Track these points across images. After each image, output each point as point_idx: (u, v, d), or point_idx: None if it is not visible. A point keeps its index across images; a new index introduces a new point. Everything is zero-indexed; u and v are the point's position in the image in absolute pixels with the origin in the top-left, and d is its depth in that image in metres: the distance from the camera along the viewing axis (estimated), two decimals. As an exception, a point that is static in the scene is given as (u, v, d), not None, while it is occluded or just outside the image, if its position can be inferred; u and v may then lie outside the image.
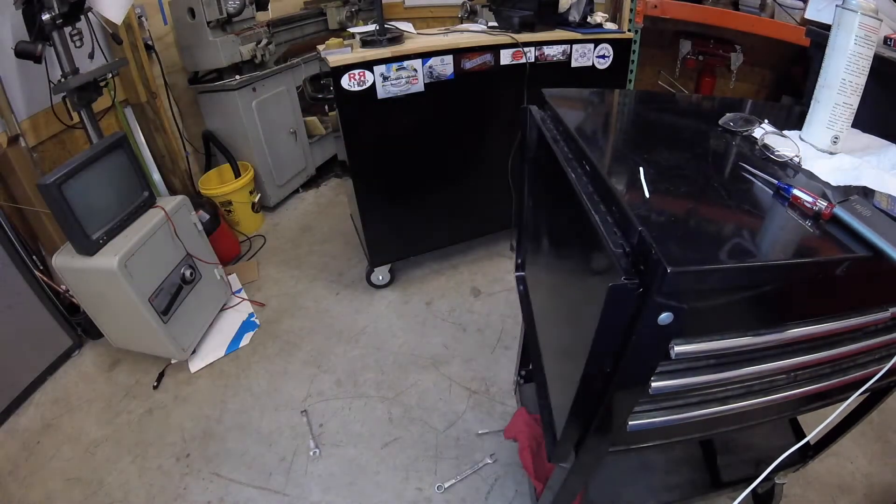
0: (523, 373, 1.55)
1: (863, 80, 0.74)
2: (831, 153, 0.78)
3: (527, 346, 1.37)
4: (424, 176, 2.08)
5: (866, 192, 0.69)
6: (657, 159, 0.75)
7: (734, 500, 0.66)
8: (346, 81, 1.72)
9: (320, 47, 1.82)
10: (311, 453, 1.60)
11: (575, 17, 2.03)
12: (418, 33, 1.98)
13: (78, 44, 1.96)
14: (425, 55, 1.79)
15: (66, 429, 1.74)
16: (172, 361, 1.96)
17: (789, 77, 2.90)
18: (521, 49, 1.90)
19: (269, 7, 2.77)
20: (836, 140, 0.77)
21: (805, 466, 1.29)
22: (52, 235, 1.93)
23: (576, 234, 0.75)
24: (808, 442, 1.23)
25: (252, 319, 2.16)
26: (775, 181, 0.67)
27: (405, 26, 1.98)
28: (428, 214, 2.19)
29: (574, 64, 2.02)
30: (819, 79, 0.77)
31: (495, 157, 2.11)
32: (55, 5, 1.64)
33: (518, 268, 1.25)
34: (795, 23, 2.12)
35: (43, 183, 1.48)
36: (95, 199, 1.64)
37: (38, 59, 1.67)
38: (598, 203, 0.67)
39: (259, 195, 2.80)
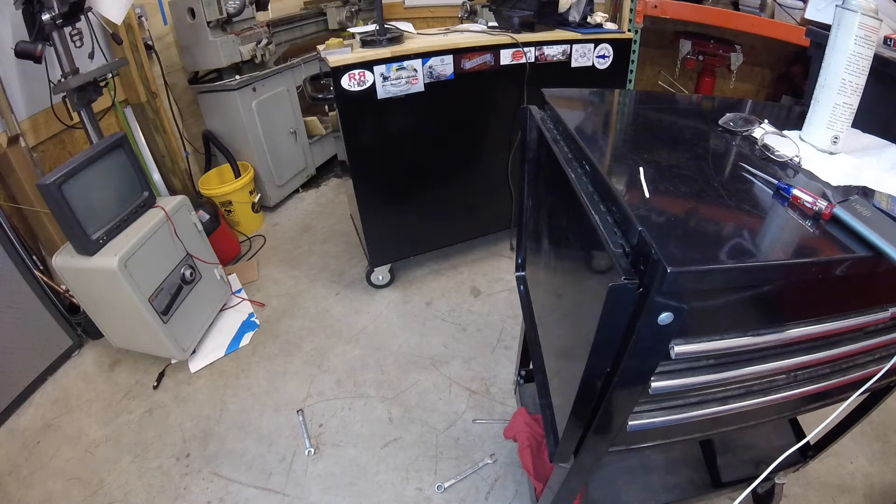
0: (523, 373, 1.55)
1: (863, 80, 0.74)
2: (831, 153, 0.78)
3: (527, 345, 1.37)
4: (424, 176, 2.08)
5: (866, 192, 0.69)
6: (657, 159, 0.75)
7: (734, 500, 0.66)
8: (346, 81, 1.72)
9: (320, 47, 1.82)
10: (306, 452, 1.60)
11: (575, 17, 2.03)
12: (418, 33, 1.98)
13: (78, 44, 1.97)
14: (425, 55, 1.79)
15: (66, 429, 1.74)
16: (172, 361, 1.96)
17: (789, 77, 2.90)
18: (521, 49, 1.90)
19: (269, 7, 2.78)
20: (836, 140, 0.77)
21: (805, 466, 1.29)
22: (52, 235, 1.93)
23: (576, 234, 0.75)
24: (808, 442, 1.23)
25: (252, 319, 2.16)
26: (775, 181, 0.67)
27: (405, 26, 1.98)
28: (428, 214, 2.19)
29: (574, 64, 2.02)
30: (819, 79, 0.77)
31: (495, 157, 2.12)
32: (55, 5, 1.64)
33: (518, 268, 1.25)
34: (795, 23, 2.13)
35: (43, 183, 1.48)
36: (95, 199, 1.64)
37: (38, 59, 1.67)
38: (598, 203, 0.67)
39: (259, 195, 2.80)
